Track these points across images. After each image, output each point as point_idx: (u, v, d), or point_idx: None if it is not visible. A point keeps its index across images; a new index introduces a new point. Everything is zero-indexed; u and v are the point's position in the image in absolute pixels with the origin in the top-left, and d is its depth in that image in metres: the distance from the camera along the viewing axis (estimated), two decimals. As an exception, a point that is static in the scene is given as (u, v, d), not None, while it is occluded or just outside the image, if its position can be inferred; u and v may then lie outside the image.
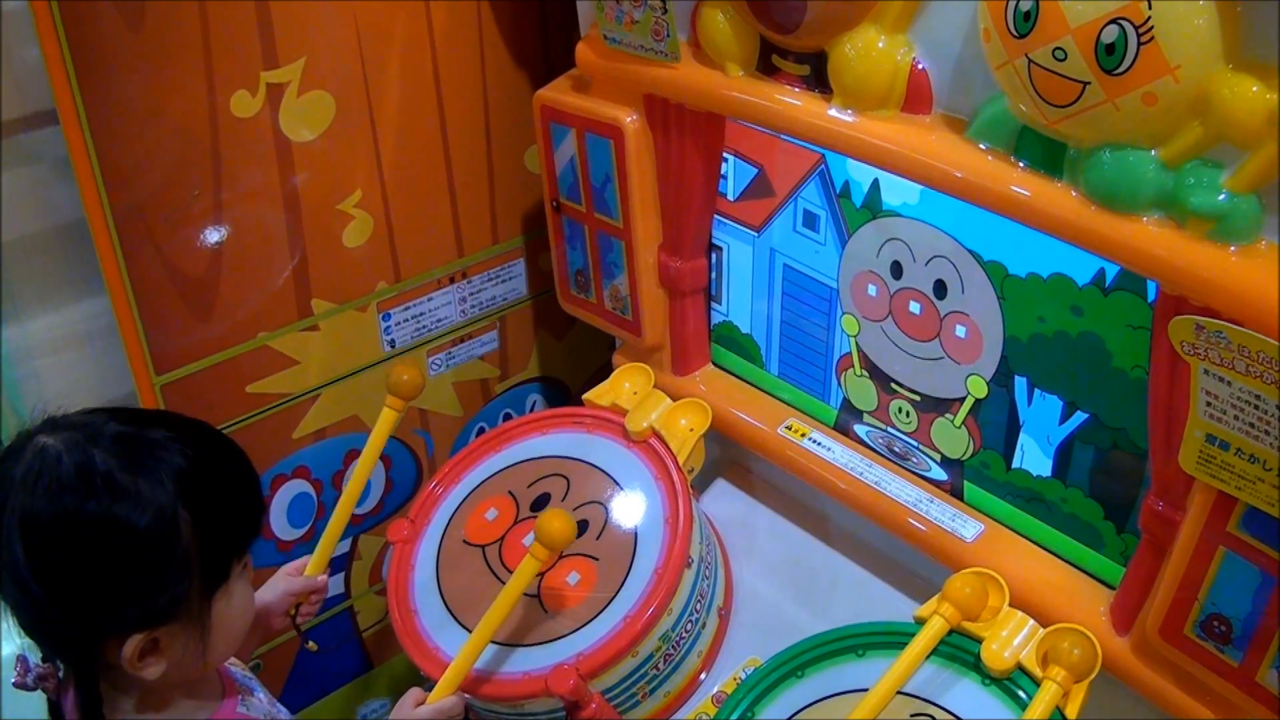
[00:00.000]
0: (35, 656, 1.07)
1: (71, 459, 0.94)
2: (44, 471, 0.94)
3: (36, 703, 1.09)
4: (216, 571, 1.03)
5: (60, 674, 1.06)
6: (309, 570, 1.42)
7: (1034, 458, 1.30)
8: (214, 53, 1.43)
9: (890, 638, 1.28)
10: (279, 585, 1.39)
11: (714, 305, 1.50)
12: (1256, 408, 0.94)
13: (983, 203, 1.11)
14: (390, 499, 1.88)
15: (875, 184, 1.32)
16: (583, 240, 1.60)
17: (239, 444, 1.09)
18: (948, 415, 1.36)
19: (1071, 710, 1.17)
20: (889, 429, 1.46)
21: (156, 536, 0.96)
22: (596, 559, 1.42)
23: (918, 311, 1.34)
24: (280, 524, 1.75)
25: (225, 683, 1.15)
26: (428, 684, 1.32)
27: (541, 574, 1.42)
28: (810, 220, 1.37)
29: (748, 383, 1.63)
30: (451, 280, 1.82)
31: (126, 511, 0.94)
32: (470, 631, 1.33)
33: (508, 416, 2.01)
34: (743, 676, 1.41)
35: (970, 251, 1.24)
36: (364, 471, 1.44)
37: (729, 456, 1.71)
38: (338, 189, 1.63)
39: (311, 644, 1.42)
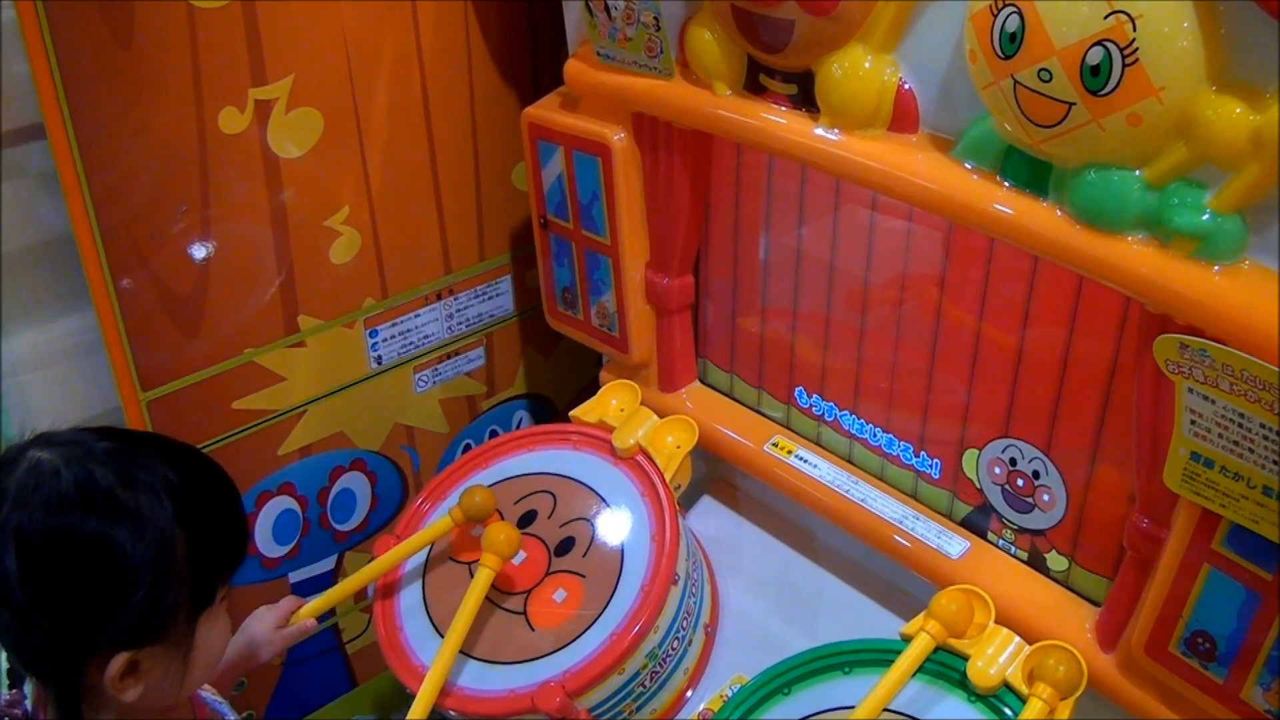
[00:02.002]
0: (2, 687, 1.07)
1: (71, 473, 0.94)
2: (41, 485, 0.93)
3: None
4: (205, 593, 1.03)
5: (27, 702, 1.06)
6: (306, 613, 1.42)
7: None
8: (202, 69, 1.43)
9: (877, 655, 1.28)
10: (263, 633, 1.38)
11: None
12: (1240, 426, 0.95)
13: (968, 222, 1.12)
14: (375, 515, 1.88)
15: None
16: (570, 257, 1.61)
17: (222, 461, 1.09)
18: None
19: (1057, 727, 1.17)
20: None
21: (154, 554, 0.96)
22: (583, 576, 1.42)
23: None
24: (265, 541, 1.74)
25: (196, 707, 1.15)
26: (410, 704, 1.32)
27: (529, 590, 1.42)
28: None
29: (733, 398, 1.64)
30: (438, 297, 1.82)
31: (126, 529, 0.94)
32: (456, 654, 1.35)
33: (494, 433, 2.01)
34: (729, 694, 1.41)
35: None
36: (396, 557, 1.47)
37: (715, 473, 1.71)
38: (325, 205, 1.63)
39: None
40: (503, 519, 1.49)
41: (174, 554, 0.97)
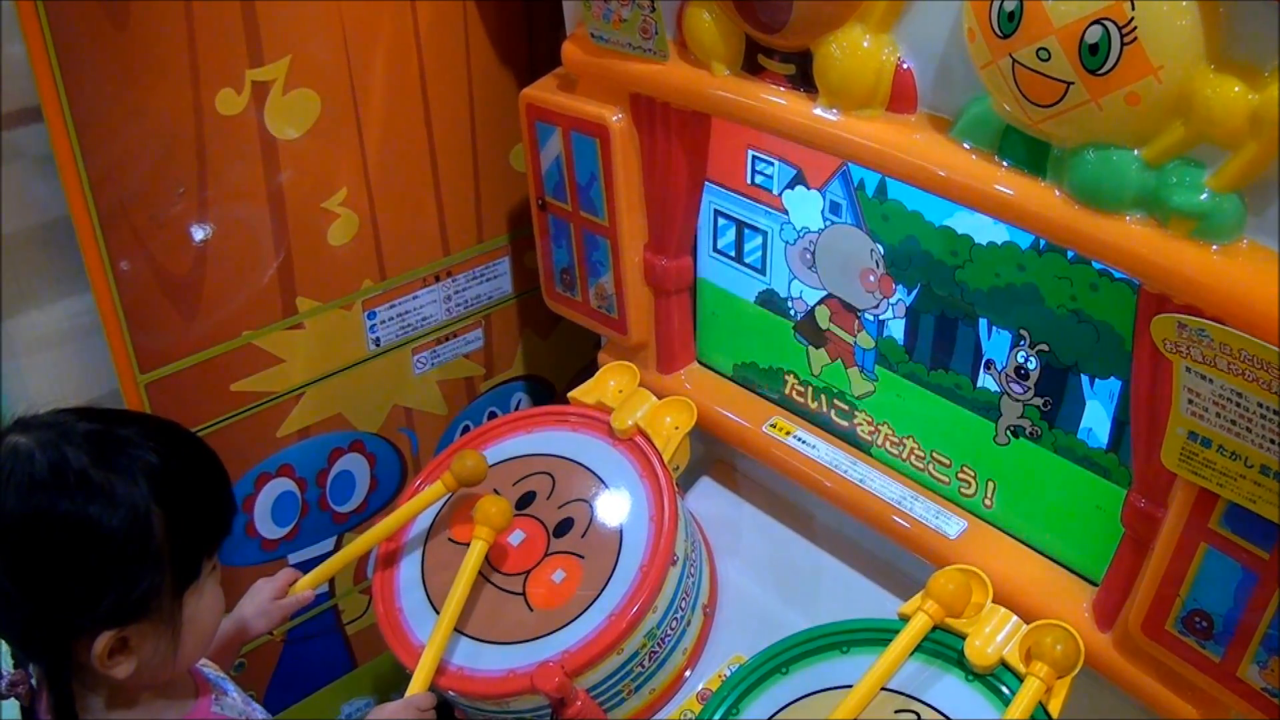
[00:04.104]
0: (8, 664, 1.07)
1: (45, 457, 0.95)
2: (17, 469, 0.94)
3: (9, 710, 1.09)
4: (188, 570, 1.03)
5: (33, 680, 1.06)
6: (303, 585, 1.43)
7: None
8: (199, 50, 1.43)
9: (874, 634, 1.28)
10: (259, 605, 1.39)
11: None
12: (1238, 405, 0.95)
13: (967, 201, 1.12)
14: (374, 497, 1.88)
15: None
16: (568, 239, 1.60)
17: (221, 442, 1.09)
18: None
19: (1054, 706, 1.17)
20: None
21: (129, 534, 0.96)
22: (582, 557, 1.43)
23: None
24: (264, 523, 1.75)
25: (198, 682, 1.15)
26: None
27: (528, 571, 1.42)
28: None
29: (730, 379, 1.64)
30: (437, 279, 1.82)
31: (100, 509, 0.95)
32: (453, 628, 1.36)
33: (493, 415, 2.01)
34: (727, 673, 1.41)
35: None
36: (392, 525, 1.47)
37: (714, 454, 1.72)
38: (323, 187, 1.62)
39: (275, 632, 1.44)
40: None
41: (151, 532, 0.97)
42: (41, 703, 1.06)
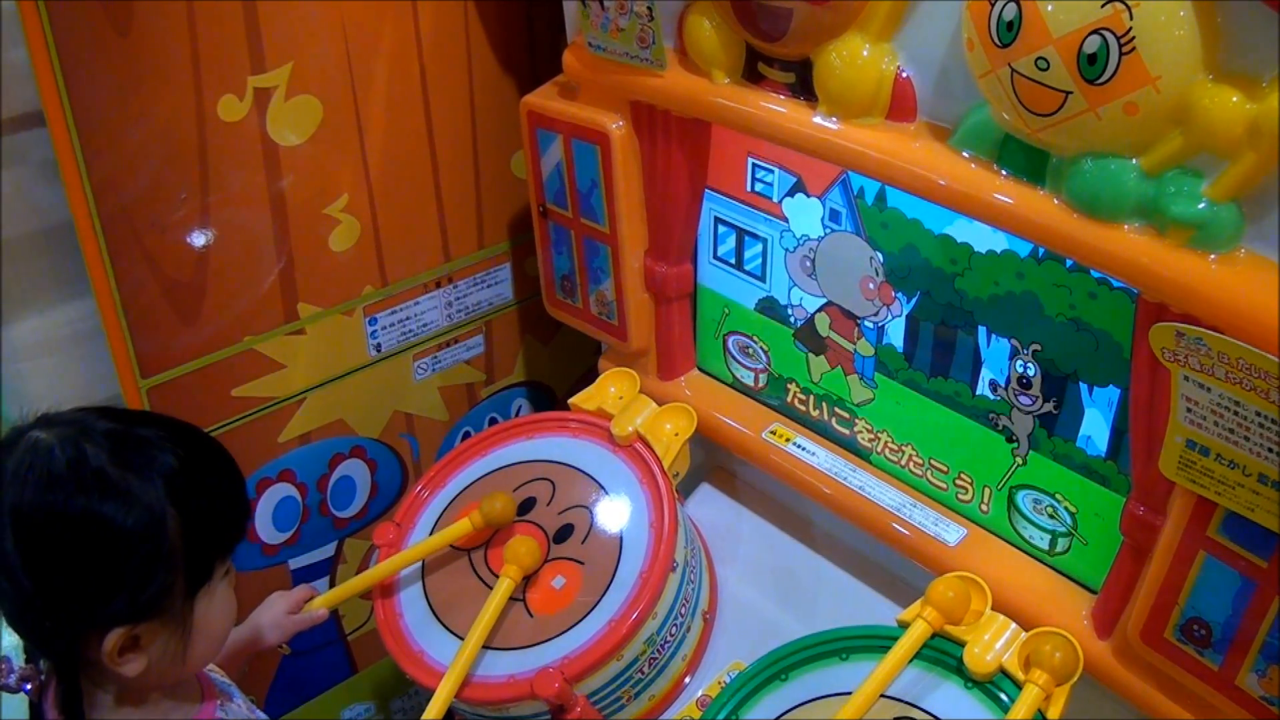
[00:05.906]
0: (19, 658, 1.08)
1: (64, 453, 0.96)
2: (35, 464, 0.95)
3: (17, 705, 1.09)
4: (200, 571, 1.04)
5: (42, 675, 1.07)
6: (319, 604, 1.44)
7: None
8: (201, 57, 1.43)
9: (874, 641, 1.28)
10: (274, 617, 1.40)
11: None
12: (1236, 414, 0.95)
13: (966, 210, 1.12)
14: (375, 503, 1.88)
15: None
16: (569, 245, 1.61)
17: (224, 446, 1.09)
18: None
19: (1053, 713, 1.18)
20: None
21: (143, 533, 0.97)
22: (582, 563, 1.43)
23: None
24: (265, 527, 1.75)
25: (204, 686, 1.16)
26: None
27: (526, 579, 1.42)
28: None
29: (725, 389, 1.64)
30: (438, 285, 1.82)
31: (115, 507, 0.96)
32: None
33: (493, 421, 2.01)
34: (727, 680, 1.42)
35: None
36: (416, 555, 1.47)
37: (714, 461, 1.72)
38: (324, 193, 1.63)
39: (285, 647, 1.44)
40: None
41: (165, 531, 0.98)
42: (48, 698, 1.07)
